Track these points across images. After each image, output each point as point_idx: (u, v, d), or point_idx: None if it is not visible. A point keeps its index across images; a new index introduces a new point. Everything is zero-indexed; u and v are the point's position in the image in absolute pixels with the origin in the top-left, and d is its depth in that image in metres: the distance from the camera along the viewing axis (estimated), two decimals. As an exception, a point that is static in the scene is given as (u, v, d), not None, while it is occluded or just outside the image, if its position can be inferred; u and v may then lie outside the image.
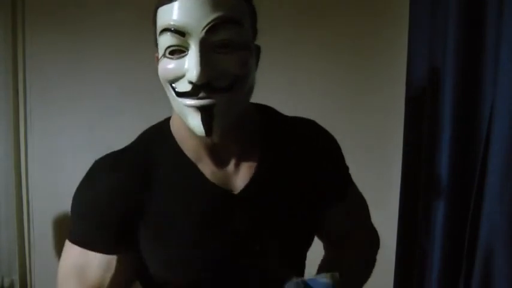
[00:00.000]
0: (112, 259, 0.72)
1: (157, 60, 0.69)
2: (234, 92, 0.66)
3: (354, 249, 0.88)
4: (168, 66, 0.66)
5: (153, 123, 0.82)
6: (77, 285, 0.73)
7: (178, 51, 0.65)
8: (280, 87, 1.64)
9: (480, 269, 1.05)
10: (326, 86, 1.67)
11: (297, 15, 1.66)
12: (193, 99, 0.65)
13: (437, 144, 1.21)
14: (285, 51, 1.66)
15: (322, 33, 1.64)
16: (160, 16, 0.66)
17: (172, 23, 0.63)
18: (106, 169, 0.74)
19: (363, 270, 0.89)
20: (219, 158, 0.75)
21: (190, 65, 0.63)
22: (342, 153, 0.87)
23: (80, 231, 0.74)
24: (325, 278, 0.73)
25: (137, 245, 0.74)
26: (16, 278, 2.05)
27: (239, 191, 0.75)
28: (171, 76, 0.66)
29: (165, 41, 0.65)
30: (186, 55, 0.64)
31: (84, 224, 0.73)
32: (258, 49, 0.73)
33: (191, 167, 0.74)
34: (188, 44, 0.64)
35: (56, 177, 1.96)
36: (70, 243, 0.74)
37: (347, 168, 0.89)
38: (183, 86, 0.65)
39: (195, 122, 0.66)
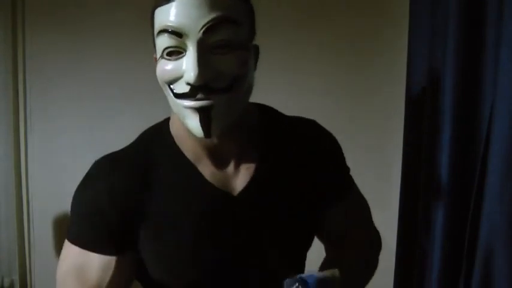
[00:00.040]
0: (111, 259, 0.72)
1: (156, 61, 0.69)
2: (233, 93, 0.66)
3: (353, 248, 0.87)
4: (165, 67, 0.66)
5: (153, 124, 0.82)
6: (76, 285, 0.73)
7: (176, 52, 0.65)
8: (280, 88, 1.64)
9: (480, 269, 1.05)
10: (326, 86, 1.67)
11: (297, 15, 1.66)
12: (192, 100, 0.65)
13: (437, 144, 1.21)
14: (285, 51, 1.66)
15: (322, 33, 1.64)
16: (157, 17, 0.66)
17: (169, 24, 0.63)
18: (106, 169, 0.74)
19: (363, 270, 0.89)
20: (218, 159, 0.75)
21: (187, 67, 0.63)
22: (342, 153, 0.87)
23: (80, 231, 0.74)
24: (321, 273, 0.73)
25: (137, 245, 0.74)
26: (16, 278, 2.05)
27: (238, 192, 0.75)
28: (169, 77, 0.66)
29: (163, 42, 0.65)
30: (183, 56, 0.64)
31: (83, 224, 0.73)
32: (256, 49, 0.73)
33: (191, 168, 0.74)
34: (186, 45, 0.63)
35: (56, 177, 1.96)
36: (69, 243, 0.74)
37: (348, 169, 0.89)
38: (181, 87, 0.65)
39: (194, 123, 0.66)
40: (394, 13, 1.56)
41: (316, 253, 0.88)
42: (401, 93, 1.47)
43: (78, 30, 1.87)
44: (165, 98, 0.71)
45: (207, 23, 0.62)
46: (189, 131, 0.69)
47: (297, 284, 0.69)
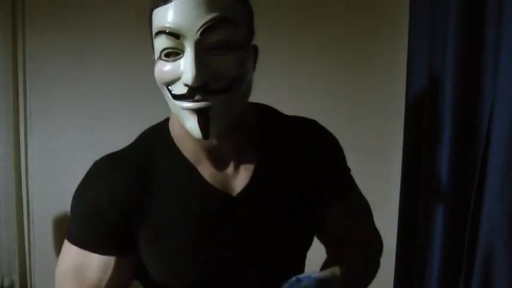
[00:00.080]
0: (110, 259, 0.72)
1: (154, 62, 0.69)
2: (231, 93, 0.66)
3: (353, 248, 0.87)
4: (164, 68, 0.66)
5: (153, 124, 0.82)
6: (74, 285, 0.73)
7: (173, 54, 0.64)
8: (280, 88, 1.63)
9: (480, 269, 1.05)
10: (326, 86, 1.67)
11: (297, 15, 1.66)
12: (190, 101, 0.64)
13: (437, 144, 1.21)
14: (285, 51, 1.65)
15: (322, 33, 1.64)
16: (155, 18, 0.65)
17: (167, 25, 0.63)
18: (106, 169, 0.74)
19: (363, 270, 0.89)
20: (218, 160, 0.75)
21: (185, 68, 0.63)
22: (343, 153, 0.87)
23: (79, 231, 0.74)
24: (320, 273, 0.73)
25: (137, 245, 0.74)
26: (16, 278, 2.05)
27: (238, 193, 0.75)
28: (167, 78, 0.66)
29: (160, 43, 0.65)
30: (181, 57, 0.64)
31: (83, 224, 0.73)
32: (255, 49, 0.72)
33: (190, 168, 0.74)
34: (183, 46, 0.63)
35: (56, 177, 1.96)
36: (69, 243, 0.74)
37: (348, 169, 0.89)
38: (179, 89, 0.65)
39: (192, 124, 0.66)
40: (394, 13, 1.56)
41: (316, 253, 0.88)
42: (401, 93, 1.47)
43: (78, 30, 1.87)
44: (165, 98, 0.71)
45: (205, 23, 0.62)
46: (188, 132, 0.69)
47: (294, 286, 0.69)
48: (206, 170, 0.74)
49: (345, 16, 1.62)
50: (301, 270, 0.85)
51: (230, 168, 0.76)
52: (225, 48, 0.64)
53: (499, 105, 1.01)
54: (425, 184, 1.30)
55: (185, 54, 0.63)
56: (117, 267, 0.72)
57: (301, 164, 0.79)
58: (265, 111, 0.83)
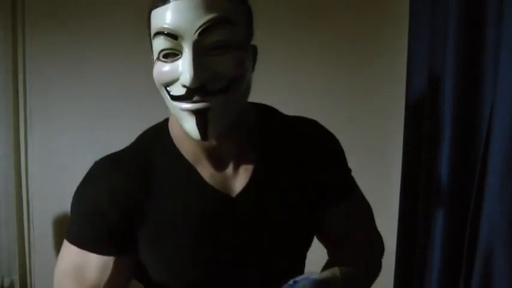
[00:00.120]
0: (109, 259, 0.72)
1: (153, 62, 0.69)
2: (230, 94, 0.65)
3: (353, 249, 0.87)
4: (162, 69, 0.66)
5: (153, 124, 0.82)
6: (74, 285, 0.73)
7: (172, 55, 0.64)
8: (280, 88, 1.63)
9: (480, 269, 1.05)
10: (326, 86, 1.67)
11: (297, 15, 1.66)
12: (188, 102, 0.64)
13: (437, 144, 1.21)
14: (285, 51, 1.65)
15: (322, 33, 1.64)
16: (153, 19, 0.65)
17: (165, 26, 0.63)
18: (106, 169, 0.74)
19: (363, 271, 0.88)
20: (217, 160, 0.75)
21: (183, 69, 0.63)
22: (343, 154, 0.86)
23: (79, 231, 0.74)
24: (318, 274, 0.73)
25: (137, 245, 0.74)
26: (16, 278, 2.05)
27: (237, 193, 0.75)
28: (166, 79, 0.66)
29: (159, 44, 0.65)
30: (179, 58, 0.64)
31: (83, 224, 0.73)
32: (254, 49, 0.72)
33: (190, 169, 0.74)
34: (181, 47, 0.63)
35: (56, 177, 1.96)
36: (68, 243, 0.74)
37: (349, 170, 0.88)
38: (178, 90, 0.65)
39: (190, 125, 0.66)
40: (394, 13, 1.56)
41: (316, 253, 0.88)
42: (401, 93, 1.47)
43: (78, 30, 1.87)
44: (165, 98, 0.71)
45: (203, 24, 0.62)
46: (187, 133, 0.69)
47: None
48: (206, 171, 0.74)
49: (345, 16, 1.62)
50: (301, 270, 0.85)
51: (230, 169, 0.76)
52: (224, 48, 0.64)
53: (499, 105, 1.01)
54: (425, 184, 1.30)
55: (183, 55, 0.63)
56: (116, 267, 0.72)
57: (301, 164, 0.79)
58: (266, 111, 0.83)
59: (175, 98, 0.66)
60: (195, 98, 0.64)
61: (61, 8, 1.88)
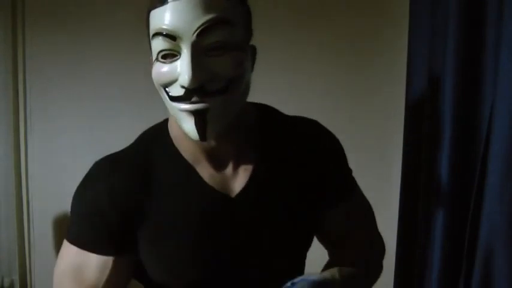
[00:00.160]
0: (108, 259, 0.72)
1: (151, 63, 0.69)
2: (228, 94, 0.65)
3: (353, 248, 0.87)
4: (161, 70, 0.66)
5: (153, 124, 0.81)
6: (73, 285, 0.73)
7: (170, 55, 0.64)
8: (280, 88, 1.64)
9: (480, 269, 1.05)
10: (326, 86, 1.67)
11: (297, 15, 1.66)
12: (187, 103, 0.64)
13: (437, 144, 1.21)
14: (285, 51, 1.65)
15: (322, 33, 1.64)
16: (152, 19, 0.65)
17: (163, 27, 0.63)
18: (106, 170, 0.74)
19: (363, 271, 0.88)
20: (217, 160, 0.75)
21: (182, 70, 0.63)
22: (344, 154, 0.86)
23: (79, 232, 0.74)
24: (317, 275, 0.73)
25: (136, 245, 0.74)
26: (16, 278, 2.05)
27: (236, 194, 0.75)
28: (164, 80, 0.66)
29: (157, 45, 0.65)
30: (178, 59, 0.64)
31: (83, 224, 0.73)
32: (253, 50, 0.72)
33: (189, 170, 0.74)
34: (180, 48, 0.63)
35: (56, 177, 1.96)
36: (68, 243, 0.74)
37: (350, 170, 0.88)
38: (176, 90, 0.65)
39: (189, 126, 0.66)
40: (394, 13, 1.56)
41: (316, 253, 0.88)
42: (401, 93, 1.47)
43: (78, 30, 1.87)
44: (165, 98, 0.71)
45: (201, 25, 0.62)
46: (186, 133, 0.69)
47: None
48: (205, 171, 0.74)
49: (345, 16, 1.62)
50: (301, 270, 0.85)
51: (229, 169, 0.76)
52: (222, 49, 0.64)
53: (499, 105, 1.01)
54: (425, 184, 1.30)
55: (182, 56, 0.63)
56: (115, 267, 0.72)
57: (301, 163, 0.79)
58: (266, 111, 0.83)
59: (174, 99, 0.66)
60: (193, 99, 0.64)
61: (61, 8, 1.88)
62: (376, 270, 0.91)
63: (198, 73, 0.62)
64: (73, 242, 0.74)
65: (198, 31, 0.62)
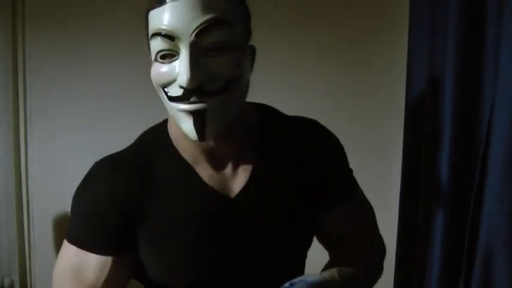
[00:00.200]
0: (108, 259, 0.72)
1: (151, 63, 0.69)
2: (227, 95, 0.65)
3: (353, 248, 0.87)
4: (160, 70, 0.66)
5: (153, 124, 0.81)
6: (73, 285, 0.73)
7: (169, 56, 0.64)
8: (280, 88, 1.64)
9: (480, 269, 1.05)
10: (326, 86, 1.67)
11: (297, 15, 1.66)
12: (185, 103, 0.64)
13: (437, 144, 1.21)
14: (285, 51, 1.65)
15: (322, 33, 1.64)
16: (150, 20, 0.65)
17: (162, 27, 0.63)
18: (106, 170, 0.74)
19: (363, 271, 0.88)
20: (216, 161, 0.75)
21: (180, 70, 0.63)
22: (344, 154, 0.86)
23: (79, 231, 0.74)
24: (316, 276, 0.73)
25: (136, 246, 0.74)
26: (16, 278, 2.05)
27: (236, 194, 0.75)
28: (163, 80, 0.66)
29: (156, 45, 0.65)
30: (177, 59, 0.64)
31: (83, 224, 0.73)
32: (252, 50, 0.72)
33: (189, 170, 0.74)
34: (178, 48, 0.63)
35: (56, 177, 1.96)
36: (68, 243, 0.74)
37: (350, 170, 0.88)
38: (175, 91, 0.65)
39: (188, 126, 0.66)
40: (394, 13, 1.56)
41: (316, 253, 0.88)
42: (401, 93, 1.47)
43: (78, 30, 1.87)
44: (165, 98, 0.71)
45: (199, 25, 0.62)
46: (184, 133, 0.69)
47: None
48: (204, 171, 0.74)
49: (345, 16, 1.62)
50: (301, 270, 0.85)
51: (229, 169, 0.76)
52: (221, 49, 0.64)
53: (499, 105, 1.01)
54: (425, 184, 1.30)
55: (180, 56, 0.63)
56: (114, 266, 0.72)
57: (301, 164, 0.79)
58: (266, 111, 0.83)
59: (172, 99, 0.66)
60: (192, 99, 0.64)
61: (61, 8, 1.88)
62: (377, 271, 0.91)
63: (197, 73, 0.62)
64: (73, 242, 0.74)
65: (196, 31, 0.62)
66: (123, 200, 0.72)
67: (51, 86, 1.93)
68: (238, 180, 0.75)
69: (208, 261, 0.74)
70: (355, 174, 0.89)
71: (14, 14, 1.94)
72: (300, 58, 1.67)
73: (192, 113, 0.65)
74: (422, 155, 1.32)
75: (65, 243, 0.75)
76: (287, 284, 0.70)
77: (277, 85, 1.62)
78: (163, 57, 0.65)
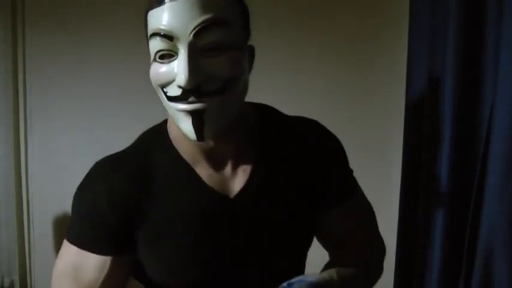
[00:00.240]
0: (107, 259, 0.72)
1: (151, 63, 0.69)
2: (226, 95, 0.65)
3: (353, 248, 0.87)
4: (158, 70, 0.66)
5: (153, 124, 0.81)
6: (73, 285, 0.73)
7: (168, 56, 0.64)
8: (280, 88, 1.64)
9: (480, 269, 1.05)
10: (326, 86, 1.67)
11: (297, 15, 1.66)
12: (184, 103, 0.64)
13: (437, 144, 1.21)
14: (285, 51, 1.65)
15: (322, 33, 1.64)
16: (149, 20, 0.65)
17: (161, 27, 0.63)
18: (106, 170, 0.74)
19: (363, 271, 0.88)
20: (215, 161, 0.75)
21: (179, 70, 0.63)
22: (344, 154, 0.86)
23: (79, 232, 0.74)
24: (315, 276, 0.73)
25: (136, 246, 0.74)
26: (16, 278, 2.06)
27: (235, 194, 0.75)
28: (162, 80, 0.66)
29: (155, 45, 0.65)
30: (175, 59, 0.64)
31: (83, 224, 0.73)
32: (251, 50, 0.72)
33: (188, 170, 0.74)
34: (177, 48, 0.63)
35: (56, 177, 1.96)
36: (68, 243, 0.74)
37: (350, 170, 0.88)
38: (174, 91, 0.65)
39: (187, 126, 0.66)
40: (394, 13, 1.56)
41: (316, 253, 0.88)
42: (401, 93, 1.47)
43: (78, 30, 1.87)
44: (165, 99, 0.71)
45: (197, 25, 0.62)
46: (183, 133, 0.69)
47: None
48: (204, 172, 0.74)
49: (345, 16, 1.62)
50: (301, 270, 0.85)
51: (228, 169, 0.76)
52: (219, 49, 0.64)
53: (499, 105, 1.01)
54: (425, 184, 1.30)
55: (179, 56, 0.63)
56: (113, 266, 0.73)
57: (301, 164, 0.79)
58: (266, 111, 0.83)
59: (171, 99, 0.66)
60: (190, 99, 0.64)
61: (61, 8, 1.88)
62: (377, 271, 0.91)
63: (195, 73, 0.62)
64: (73, 242, 0.74)
65: (194, 31, 0.62)
66: (123, 200, 0.72)
67: (51, 86, 1.93)
68: (238, 180, 0.75)
69: (208, 261, 0.74)
70: (355, 174, 0.89)
71: (14, 14, 1.94)
72: (300, 58, 1.67)
73: (190, 113, 0.65)
74: (422, 155, 1.32)
75: (65, 243, 0.75)
76: (285, 284, 0.70)
77: (277, 85, 1.62)
78: (162, 57, 0.65)
